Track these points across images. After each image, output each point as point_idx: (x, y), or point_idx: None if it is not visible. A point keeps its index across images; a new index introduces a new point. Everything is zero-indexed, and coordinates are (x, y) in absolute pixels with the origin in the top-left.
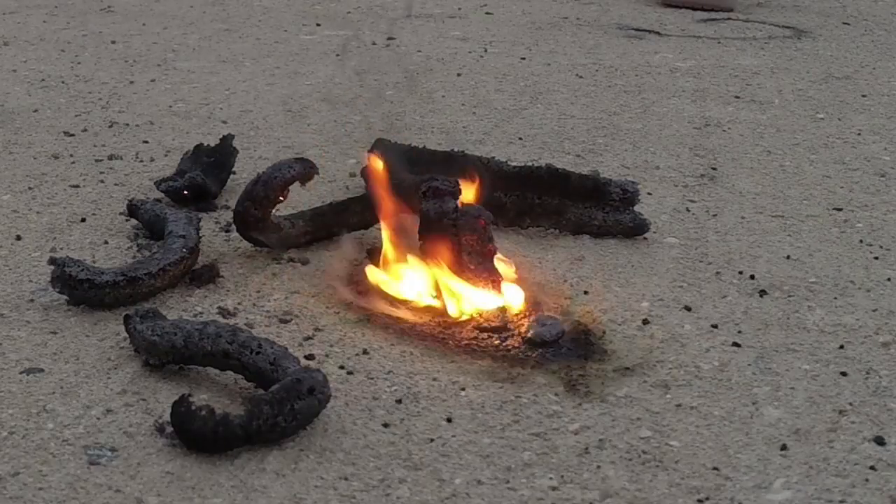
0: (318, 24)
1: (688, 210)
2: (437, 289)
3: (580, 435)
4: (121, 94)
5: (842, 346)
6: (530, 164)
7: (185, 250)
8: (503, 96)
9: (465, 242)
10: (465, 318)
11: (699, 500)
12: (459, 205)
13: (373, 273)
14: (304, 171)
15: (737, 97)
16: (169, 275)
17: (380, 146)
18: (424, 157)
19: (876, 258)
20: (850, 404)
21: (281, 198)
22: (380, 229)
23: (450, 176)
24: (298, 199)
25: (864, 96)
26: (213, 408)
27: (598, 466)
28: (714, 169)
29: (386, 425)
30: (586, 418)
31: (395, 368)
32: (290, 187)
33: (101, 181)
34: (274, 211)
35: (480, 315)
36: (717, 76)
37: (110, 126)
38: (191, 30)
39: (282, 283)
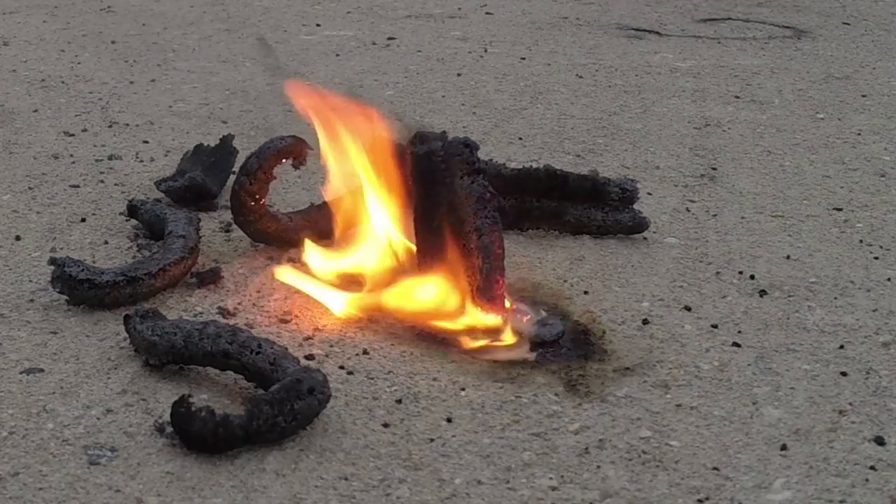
0: (317, 25)
1: (688, 210)
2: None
3: (580, 435)
4: (121, 94)
5: (842, 346)
6: (529, 164)
7: (185, 250)
8: (503, 96)
9: (454, 166)
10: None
11: (699, 500)
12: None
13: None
14: (295, 143)
15: (737, 97)
16: (169, 275)
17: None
18: None
19: (876, 258)
20: (850, 404)
21: (271, 175)
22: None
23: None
24: (298, 200)
25: (864, 96)
26: (213, 408)
27: (598, 466)
28: (714, 169)
29: (386, 425)
30: (586, 418)
31: (395, 368)
32: (285, 184)
33: (101, 181)
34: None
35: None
36: (717, 76)
37: (110, 126)
38: (191, 30)
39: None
